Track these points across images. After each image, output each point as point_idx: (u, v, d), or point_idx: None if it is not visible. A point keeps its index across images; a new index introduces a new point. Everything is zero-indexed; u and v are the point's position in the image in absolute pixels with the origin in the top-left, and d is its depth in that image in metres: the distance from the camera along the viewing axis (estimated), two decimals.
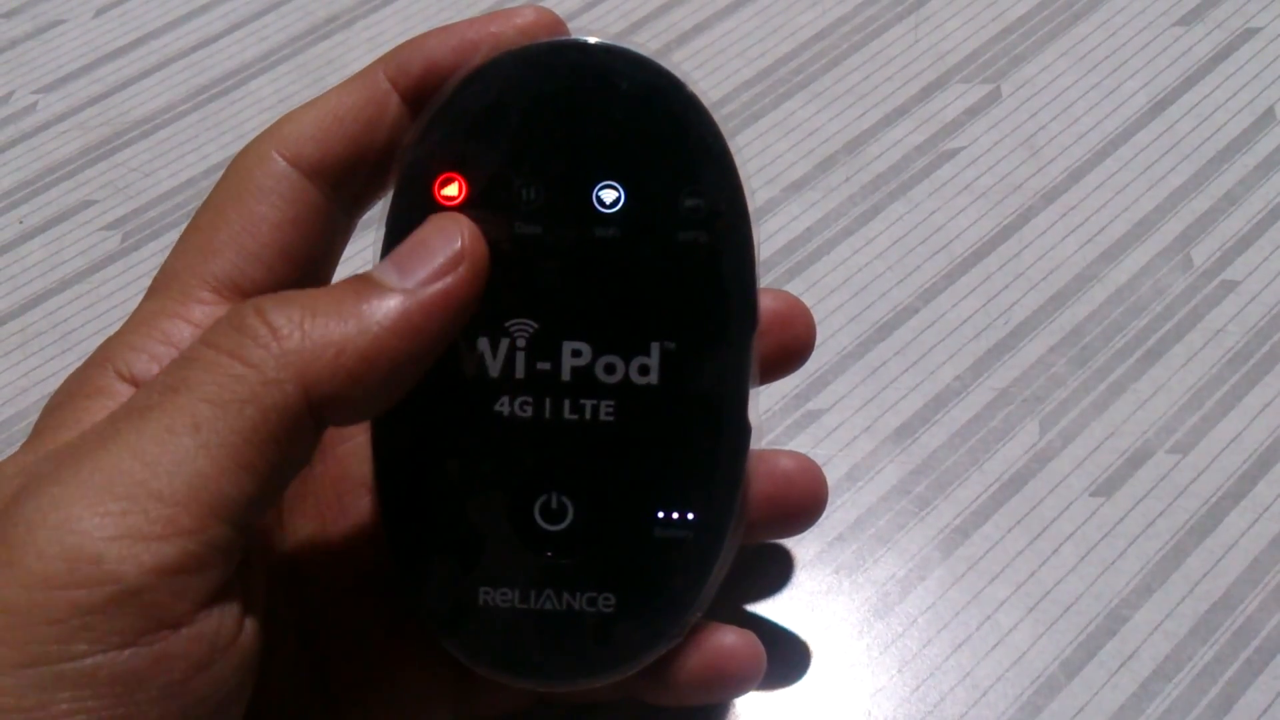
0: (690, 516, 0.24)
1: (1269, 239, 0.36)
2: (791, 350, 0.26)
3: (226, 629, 0.19)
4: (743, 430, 0.24)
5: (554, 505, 0.24)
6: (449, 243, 0.22)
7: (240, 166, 0.24)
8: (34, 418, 0.35)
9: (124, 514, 0.18)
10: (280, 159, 0.23)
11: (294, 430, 0.19)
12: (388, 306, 0.21)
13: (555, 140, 0.24)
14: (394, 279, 0.21)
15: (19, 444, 0.34)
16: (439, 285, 0.21)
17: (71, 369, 0.22)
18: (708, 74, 0.41)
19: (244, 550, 0.20)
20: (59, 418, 0.21)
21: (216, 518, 0.18)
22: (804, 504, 0.26)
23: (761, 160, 0.39)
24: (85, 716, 0.17)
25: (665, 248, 0.24)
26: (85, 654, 0.17)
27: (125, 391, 0.21)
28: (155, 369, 0.22)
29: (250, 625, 0.20)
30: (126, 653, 0.17)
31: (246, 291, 0.23)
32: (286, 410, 0.19)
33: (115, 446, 0.18)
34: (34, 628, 0.17)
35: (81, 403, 0.21)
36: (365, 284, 0.21)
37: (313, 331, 0.20)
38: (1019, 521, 0.31)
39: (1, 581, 0.17)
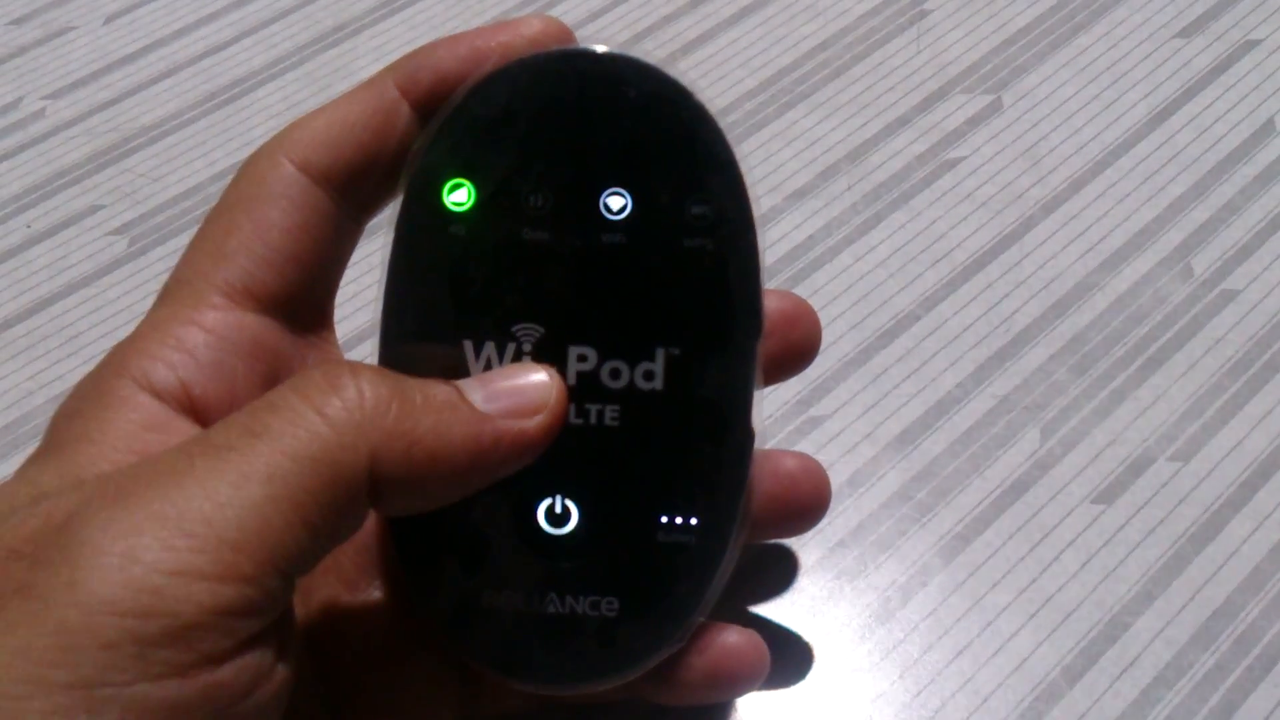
0: (694, 521, 0.24)
1: (1269, 249, 0.36)
2: (798, 351, 0.26)
3: (267, 663, 0.19)
4: (746, 435, 0.24)
5: (558, 509, 0.24)
6: (541, 394, 0.23)
7: (250, 172, 0.24)
8: (40, 421, 0.35)
9: (189, 551, 0.18)
10: (289, 164, 0.23)
11: (355, 499, 0.20)
12: (464, 423, 0.21)
13: (563, 147, 0.24)
14: (479, 400, 0.22)
15: (25, 447, 0.35)
16: (515, 424, 0.22)
17: (77, 373, 0.23)
18: (712, 83, 0.41)
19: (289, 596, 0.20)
20: (79, 428, 0.21)
21: (274, 567, 0.19)
22: (807, 504, 0.26)
23: (764, 169, 0.39)
24: None
25: (671, 254, 0.24)
26: (133, 681, 0.17)
27: (146, 402, 0.22)
28: (173, 377, 0.22)
29: (287, 657, 0.20)
30: (173, 682, 0.18)
31: (258, 296, 0.23)
32: (355, 479, 0.20)
33: (189, 482, 0.19)
34: (87, 651, 0.17)
35: (103, 414, 0.21)
36: (455, 393, 0.22)
37: (397, 413, 0.20)
38: (1020, 528, 0.31)
39: (63, 600, 0.17)
